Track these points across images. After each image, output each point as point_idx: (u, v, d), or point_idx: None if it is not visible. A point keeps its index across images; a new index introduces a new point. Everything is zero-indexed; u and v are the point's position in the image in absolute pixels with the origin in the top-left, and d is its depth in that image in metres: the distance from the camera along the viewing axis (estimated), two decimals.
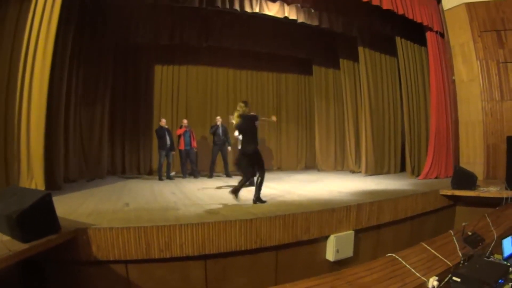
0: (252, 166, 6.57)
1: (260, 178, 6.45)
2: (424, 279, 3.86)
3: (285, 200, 6.53)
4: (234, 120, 6.71)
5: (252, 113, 6.82)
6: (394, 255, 4.32)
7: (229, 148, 11.20)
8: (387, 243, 6.30)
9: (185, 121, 10.89)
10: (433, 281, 3.79)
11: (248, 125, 6.53)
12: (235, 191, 6.26)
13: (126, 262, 4.32)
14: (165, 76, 12.73)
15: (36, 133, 6.51)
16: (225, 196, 6.93)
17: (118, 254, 4.22)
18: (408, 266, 4.08)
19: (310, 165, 14.42)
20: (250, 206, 5.85)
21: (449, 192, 7.52)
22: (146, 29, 11.02)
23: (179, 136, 10.67)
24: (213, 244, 4.59)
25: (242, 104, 6.66)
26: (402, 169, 11.65)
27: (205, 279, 4.68)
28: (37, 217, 3.63)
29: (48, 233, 3.74)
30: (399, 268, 4.04)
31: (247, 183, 6.59)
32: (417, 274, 3.94)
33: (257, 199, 6.34)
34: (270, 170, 13.46)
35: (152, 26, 11.07)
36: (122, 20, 10.74)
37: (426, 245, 4.78)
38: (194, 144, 10.91)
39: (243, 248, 4.78)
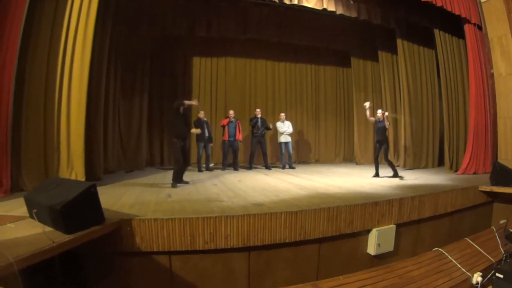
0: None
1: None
2: (469, 274, 3.93)
3: (328, 192, 6.48)
4: None
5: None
6: (440, 249, 4.39)
7: (271, 124, 11.24)
8: (426, 238, 6.25)
9: (231, 112, 10.90)
10: (477, 277, 3.86)
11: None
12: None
13: (169, 253, 4.38)
14: (203, 68, 12.84)
15: (76, 124, 6.68)
16: (267, 187, 7.07)
17: (162, 245, 4.29)
18: (454, 261, 4.15)
19: (348, 158, 14.35)
20: (293, 198, 5.83)
21: (488, 188, 7.37)
22: (183, 21, 11.14)
23: (223, 127, 10.72)
24: (257, 236, 4.61)
25: None
26: (440, 163, 11.55)
27: (248, 271, 4.72)
28: (81, 208, 3.66)
29: (92, 224, 3.78)
30: (446, 263, 4.11)
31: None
32: (463, 269, 4.01)
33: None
34: (309, 163, 13.60)
35: (189, 18, 11.19)
36: (159, 12, 10.87)
37: (470, 241, 4.82)
38: (240, 136, 10.88)
39: (287, 241, 4.78)
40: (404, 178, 8.60)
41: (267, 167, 11.09)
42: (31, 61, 6.31)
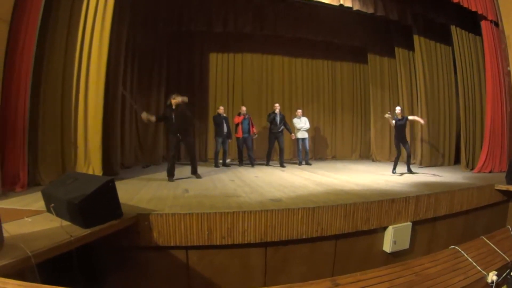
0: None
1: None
2: (484, 273, 3.95)
3: (345, 189, 6.48)
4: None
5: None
6: (457, 247, 4.41)
7: (293, 135, 11.19)
8: (441, 236, 6.24)
9: (243, 108, 10.81)
10: (492, 276, 3.88)
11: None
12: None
13: (186, 248, 4.43)
14: (220, 64, 12.85)
15: (94, 119, 6.77)
16: (284, 183, 7.10)
17: (180, 240, 4.34)
18: (470, 259, 4.16)
19: (364, 155, 14.26)
20: (310, 195, 5.86)
21: (504, 187, 7.27)
22: (200, 17, 11.25)
23: (237, 124, 10.57)
24: (274, 232, 4.64)
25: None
26: (456, 161, 11.45)
27: (265, 266, 4.76)
28: (99, 203, 3.70)
29: (110, 218, 3.83)
30: (462, 261, 4.12)
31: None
32: (478, 268, 4.03)
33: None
34: (325, 159, 13.57)
35: (206, 14, 11.29)
36: (175, 9, 10.96)
37: (486, 239, 4.83)
38: (254, 130, 10.82)
39: (304, 237, 4.81)
40: (417, 174, 8.66)
41: (282, 164, 10.72)
42: (48, 58, 6.40)
